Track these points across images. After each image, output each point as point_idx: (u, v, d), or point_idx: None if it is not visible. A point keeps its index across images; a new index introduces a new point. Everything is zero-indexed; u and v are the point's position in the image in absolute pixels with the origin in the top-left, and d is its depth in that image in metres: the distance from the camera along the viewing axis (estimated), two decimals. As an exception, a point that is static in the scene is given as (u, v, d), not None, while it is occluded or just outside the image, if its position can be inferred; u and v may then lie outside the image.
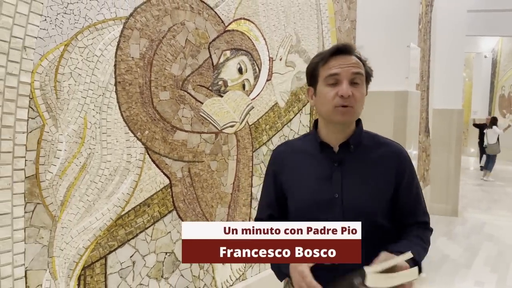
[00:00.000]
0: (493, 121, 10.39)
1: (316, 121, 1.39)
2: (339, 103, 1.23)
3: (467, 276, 4.06)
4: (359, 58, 1.29)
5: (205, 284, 2.35)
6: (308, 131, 3.20)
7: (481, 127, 11.32)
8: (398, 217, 1.35)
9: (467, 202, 7.47)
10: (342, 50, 1.27)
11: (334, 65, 1.25)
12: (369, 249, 1.28)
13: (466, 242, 5.06)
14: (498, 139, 10.16)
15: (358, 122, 1.35)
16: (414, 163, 3.40)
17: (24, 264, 1.51)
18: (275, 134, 2.85)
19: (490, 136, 10.14)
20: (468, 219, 6.29)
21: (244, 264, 2.63)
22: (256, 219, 1.48)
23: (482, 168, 10.62)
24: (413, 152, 3.25)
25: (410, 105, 3.17)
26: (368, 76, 1.31)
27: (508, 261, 4.49)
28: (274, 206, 1.41)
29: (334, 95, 1.24)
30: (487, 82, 14.78)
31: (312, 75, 1.32)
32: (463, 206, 6.99)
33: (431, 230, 1.40)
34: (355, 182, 1.28)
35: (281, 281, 1.40)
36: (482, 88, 14.56)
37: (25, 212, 1.51)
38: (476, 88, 14.63)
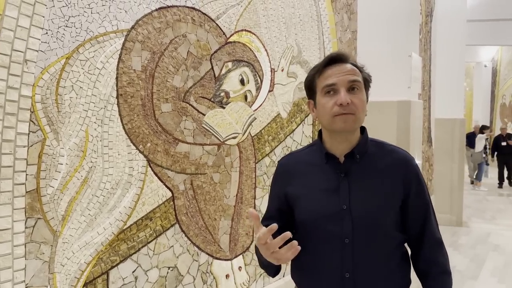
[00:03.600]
0: (481, 130, 10.27)
1: (320, 132, 1.36)
2: (339, 111, 1.21)
3: (474, 287, 4.00)
4: (355, 65, 1.27)
5: (208, 299, 2.31)
6: (311, 141, 3.18)
7: (468, 137, 11.26)
8: (409, 228, 1.32)
9: (471, 212, 7.42)
10: (336, 59, 1.26)
11: (330, 74, 1.24)
12: (381, 260, 1.25)
13: (472, 253, 5.00)
14: (486, 147, 10.01)
15: (363, 130, 1.32)
16: (418, 173, 3.38)
17: (24, 281, 1.48)
18: (278, 145, 2.83)
19: (476, 144, 10.02)
20: (473, 229, 6.23)
21: (248, 278, 2.59)
22: None
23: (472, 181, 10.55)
24: (417, 162, 3.23)
25: (413, 114, 3.16)
26: (366, 82, 1.29)
27: (516, 272, 4.43)
28: (276, 218, 1.36)
29: (333, 104, 1.22)
30: (488, 91, 14.80)
31: (310, 88, 1.31)
32: (468, 216, 6.94)
33: (446, 255, 1.35)
34: (363, 192, 1.25)
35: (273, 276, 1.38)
36: (483, 97, 14.58)
37: (26, 227, 1.48)
38: (477, 98, 14.64)
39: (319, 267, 1.28)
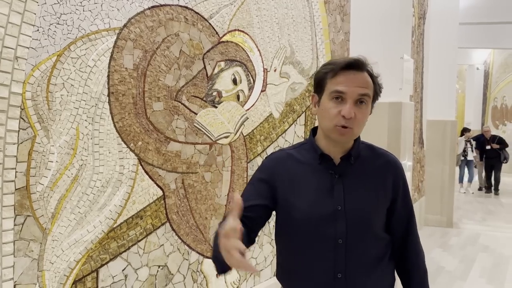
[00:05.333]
0: (462, 132, 9.79)
1: (313, 129, 1.35)
2: (340, 123, 1.20)
3: (463, 288, 4.04)
4: (371, 75, 1.25)
5: (198, 298, 2.31)
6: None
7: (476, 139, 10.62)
8: (394, 230, 1.35)
9: (462, 213, 7.48)
10: (354, 65, 1.22)
11: (342, 81, 1.21)
12: (373, 261, 1.28)
13: (461, 254, 5.05)
14: (465, 150, 9.44)
15: None
16: (409, 174, 3.41)
17: (13, 278, 1.48)
18: (269, 145, 2.84)
19: (458, 146, 9.57)
20: (463, 230, 6.28)
21: (239, 277, 2.59)
22: None
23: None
24: (407, 163, 3.25)
25: (404, 116, 3.18)
26: (375, 95, 1.28)
27: (504, 273, 4.47)
28: (256, 206, 1.26)
29: (337, 113, 1.20)
30: (480, 93, 14.92)
31: (318, 84, 1.27)
32: (458, 217, 6.99)
33: (423, 254, 1.41)
34: (357, 194, 1.26)
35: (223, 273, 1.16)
36: (475, 99, 14.69)
37: (15, 225, 1.48)
38: (469, 100, 14.75)
39: (310, 268, 1.27)
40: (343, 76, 1.21)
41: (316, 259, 1.26)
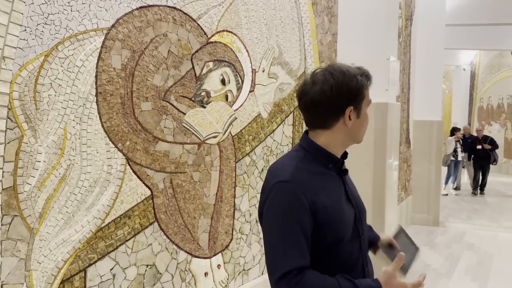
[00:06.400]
0: (452, 132, 9.38)
1: (309, 140, 1.28)
2: None
3: (448, 285, 4.11)
4: None
5: (187, 297, 2.33)
6: (291, 141, 3.22)
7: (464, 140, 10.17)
8: None
9: (448, 212, 7.59)
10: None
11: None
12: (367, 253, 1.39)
13: (447, 252, 5.12)
14: (456, 150, 9.15)
15: None
16: (395, 173, 3.45)
17: (0, 278, 1.47)
18: (258, 145, 2.86)
19: (447, 147, 9.11)
20: (449, 229, 6.38)
21: (227, 276, 2.61)
22: (293, 270, 1.14)
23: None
24: (394, 163, 3.30)
25: (390, 116, 3.23)
26: None
27: (488, 270, 4.56)
28: (306, 249, 1.19)
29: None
30: (466, 94, 15.12)
31: (357, 95, 1.23)
32: (444, 216, 7.09)
33: None
34: (352, 186, 1.37)
35: None
36: (462, 100, 14.88)
37: (2, 225, 1.48)
38: (455, 100, 14.95)
39: (346, 268, 1.25)
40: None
41: (350, 258, 1.28)
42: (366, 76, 1.27)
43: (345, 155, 1.34)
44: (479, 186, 9.76)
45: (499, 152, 10.67)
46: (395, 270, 1.19)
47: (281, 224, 1.16)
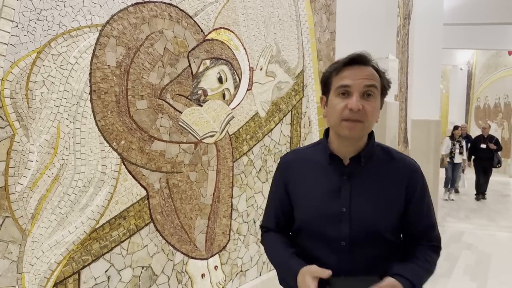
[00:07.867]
0: (452, 131, 8.80)
1: (327, 130, 1.33)
2: (347, 116, 1.18)
3: (447, 285, 4.08)
4: (376, 69, 1.24)
5: (184, 299, 2.29)
6: (289, 141, 3.19)
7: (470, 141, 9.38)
8: (408, 234, 1.33)
9: (446, 211, 7.58)
10: (357, 60, 1.22)
11: (347, 75, 1.20)
12: (378, 263, 1.25)
13: (445, 251, 5.09)
14: (452, 151, 8.46)
15: (371, 134, 1.31)
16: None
17: (-10, 281, 1.44)
18: (255, 144, 2.82)
19: (442, 147, 8.25)
20: (447, 228, 6.36)
21: (224, 278, 2.57)
22: (263, 227, 1.47)
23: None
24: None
25: (388, 115, 3.20)
26: (383, 89, 1.26)
27: (487, 270, 4.54)
28: (280, 216, 1.39)
29: (343, 107, 1.19)
30: (463, 93, 15.14)
31: (325, 84, 1.27)
32: (442, 215, 7.08)
33: (439, 254, 1.36)
34: (365, 196, 1.24)
35: None
36: (459, 99, 14.90)
37: (-7, 226, 1.44)
38: (453, 100, 14.96)
39: (309, 261, 1.26)
40: (347, 71, 1.21)
41: (320, 260, 1.25)
42: (336, 63, 1.25)
43: (358, 157, 1.26)
44: (481, 191, 8.93)
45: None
46: (318, 272, 1.19)
47: (269, 189, 1.46)
